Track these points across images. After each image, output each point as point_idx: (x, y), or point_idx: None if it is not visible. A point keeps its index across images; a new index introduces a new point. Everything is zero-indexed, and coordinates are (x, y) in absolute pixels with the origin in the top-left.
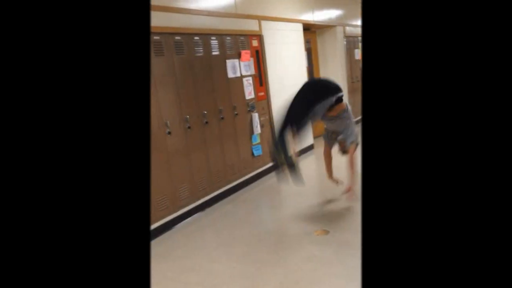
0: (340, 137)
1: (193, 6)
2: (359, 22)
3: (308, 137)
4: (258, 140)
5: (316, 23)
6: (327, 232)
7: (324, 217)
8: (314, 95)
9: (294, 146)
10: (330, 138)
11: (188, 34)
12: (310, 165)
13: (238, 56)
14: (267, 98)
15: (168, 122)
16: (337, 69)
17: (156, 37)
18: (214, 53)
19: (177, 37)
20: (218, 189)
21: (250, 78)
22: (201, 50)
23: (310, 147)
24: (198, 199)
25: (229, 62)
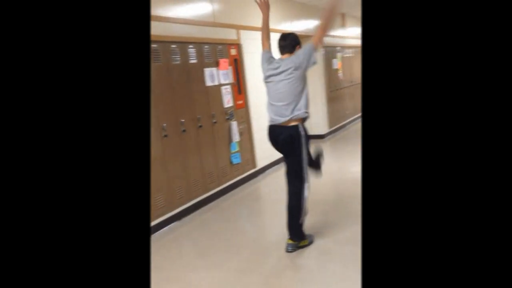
0: None
1: (170, 14)
2: (336, 33)
3: None
4: (237, 148)
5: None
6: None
7: (305, 225)
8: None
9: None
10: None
11: (165, 42)
12: None
13: (217, 64)
14: (246, 106)
15: None
16: (315, 79)
17: None
18: (192, 61)
19: (154, 45)
20: (196, 198)
21: (229, 86)
22: (178, 58)
23: None
24: (176, 207)
25: (207, 71)
